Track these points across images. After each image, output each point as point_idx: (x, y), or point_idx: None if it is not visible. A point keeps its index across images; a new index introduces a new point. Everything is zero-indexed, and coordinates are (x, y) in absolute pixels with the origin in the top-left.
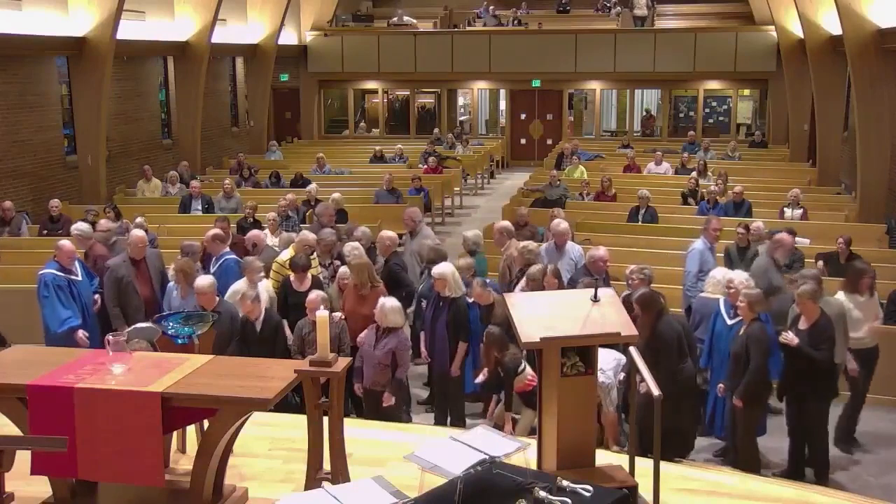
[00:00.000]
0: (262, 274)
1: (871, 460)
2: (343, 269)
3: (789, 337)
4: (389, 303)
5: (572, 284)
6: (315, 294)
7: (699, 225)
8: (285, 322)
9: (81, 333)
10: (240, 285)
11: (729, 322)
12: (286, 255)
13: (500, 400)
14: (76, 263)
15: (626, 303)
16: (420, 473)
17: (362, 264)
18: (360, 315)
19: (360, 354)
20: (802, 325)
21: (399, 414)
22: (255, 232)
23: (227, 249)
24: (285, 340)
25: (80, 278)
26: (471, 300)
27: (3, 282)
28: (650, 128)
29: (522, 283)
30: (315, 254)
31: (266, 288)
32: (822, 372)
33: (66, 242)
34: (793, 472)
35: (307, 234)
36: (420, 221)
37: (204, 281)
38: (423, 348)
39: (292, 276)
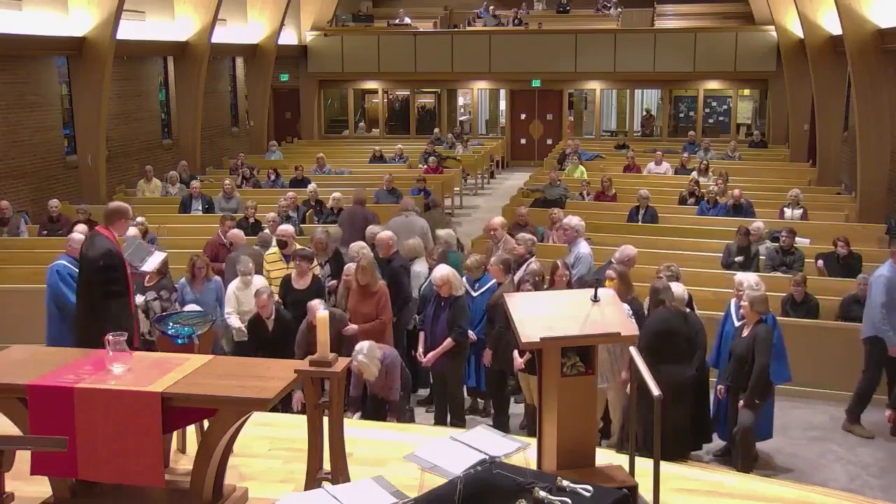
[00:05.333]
0: (253, 272)
1: (871, 460)
2: (348, 266)
3: None
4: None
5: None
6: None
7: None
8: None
9: None
10: (236, 285)
11: (737, 323)
12: (272, 250)
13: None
14: None
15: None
16: (420, 473)
17: (371, 263)
18: (361, 313)
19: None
20: None
21: (403, 408)
22: (233, 231)
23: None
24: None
25: None
26: (474, 294)
27: (3, 282)
28: (650, 128)
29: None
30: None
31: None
32: None
33: (77, 235)
34: None
35: (286, 226)
36: (409, 209)
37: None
38: (420, 348)
39: (293, 274)
